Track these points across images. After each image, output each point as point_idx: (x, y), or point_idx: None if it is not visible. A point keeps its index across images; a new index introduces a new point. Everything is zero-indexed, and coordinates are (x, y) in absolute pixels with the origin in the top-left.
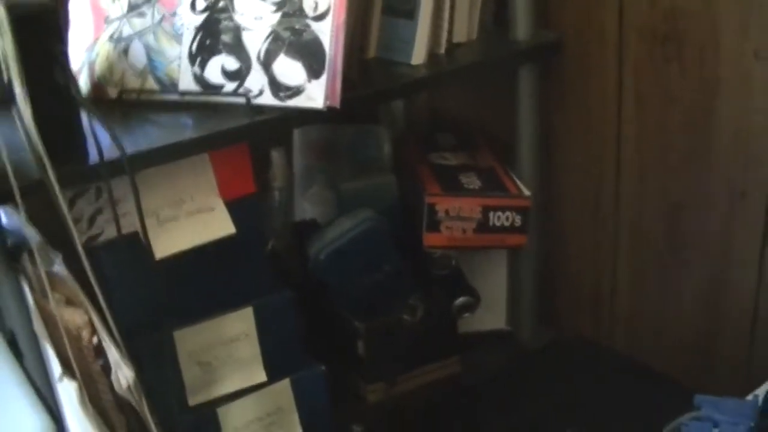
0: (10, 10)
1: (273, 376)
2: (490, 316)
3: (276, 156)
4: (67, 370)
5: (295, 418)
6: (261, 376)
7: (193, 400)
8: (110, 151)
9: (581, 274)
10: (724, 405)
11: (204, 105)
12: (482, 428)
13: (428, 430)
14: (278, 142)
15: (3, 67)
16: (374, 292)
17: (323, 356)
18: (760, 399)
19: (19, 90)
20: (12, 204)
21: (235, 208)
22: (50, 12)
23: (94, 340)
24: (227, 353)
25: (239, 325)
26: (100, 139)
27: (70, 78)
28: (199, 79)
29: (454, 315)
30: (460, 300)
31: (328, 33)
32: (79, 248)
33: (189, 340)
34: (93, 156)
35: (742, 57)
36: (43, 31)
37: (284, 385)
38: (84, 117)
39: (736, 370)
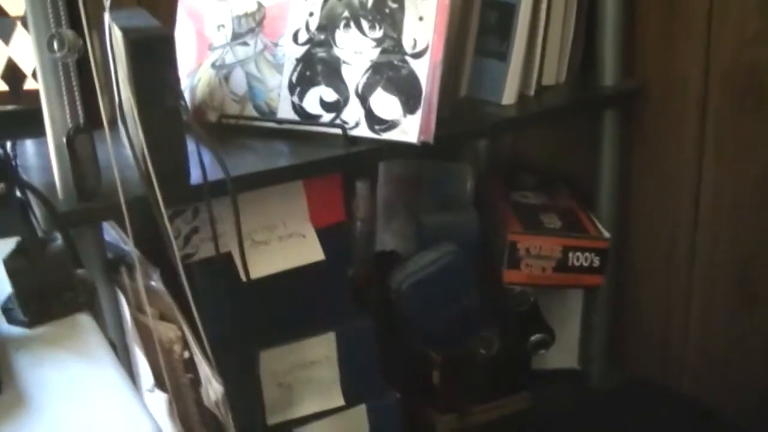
0: (127, 34)
1: (350, 401)
2: (562, 354)
3: (361, 187)
4: (159, 381)
5: None
6: (339, 401)
7: (271, 420)
8: (212, 174)
9: (653, 318)
10: None
11: (301, 134)
12: None
13: None
14: (363, 173)
15: (116, 88)
16: (452, 324)
17: (398, 385)
18: None
19: (131, 111)
20: (116, 219)
21: (325, 235)
22: (164, 38)
23: (185, 354)
24: (307, 376)
25: (321, 350)
26: (204, 161)
27: (181, 102)
28: (298, 109)
29: (529, 351)
30: (536, 337)
31: (425, 70)
32: (179, 265)
33: (273, 361)
34: (195, 177)
35: None
36: (156, 56)
37: (360, 410)
38: (189, 139)
39: None
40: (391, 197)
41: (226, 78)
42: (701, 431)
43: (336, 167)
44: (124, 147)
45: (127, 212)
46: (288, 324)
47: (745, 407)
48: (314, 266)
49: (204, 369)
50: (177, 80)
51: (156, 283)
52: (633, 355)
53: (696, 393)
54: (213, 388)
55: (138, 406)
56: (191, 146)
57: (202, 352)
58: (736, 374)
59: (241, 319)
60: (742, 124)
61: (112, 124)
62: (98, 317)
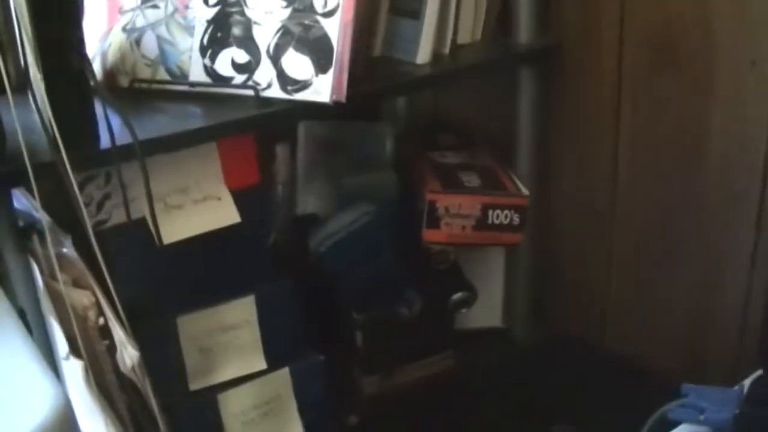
0: None
1: (272, 364)
2: (486, 313)
3: (280, 151)
4: (74, 349)
5: (293, 406)
6: (261, 364)
7: (193, 385)
8: (121, 137)
9: (575, 274)
10: (709, 393)
11: (213, 96)
12: (473, 422)
13: (421, 423)
14: (283, 137)
15: (21, 52)
16: (373, 284)
17: (322, 347)
18: (746, 388)
19: (35, 74)
20: (24, 186)
21: (240, 198)
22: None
23: (100, 321)
24: (228, 340)
25: (240, 313)
26: (112, 125)
27: (86, 64)
28: (209, 71)
29: (451, 310)
30: (458, 295)
31: (336, 30)
32: (90, 231)
33: (191, 326)
34: (104, 141)
35: (738, 65)
36: (60, 18)
37: (283, 373)
38: (97, 103)
39: (725, 370)
40: (311, 159)
41: (138, 42)
42: (625, 384)
43: (248, 128)
44: (32, 112)
45: (35, 178)
46: (207, 288)
47: (667, 360)
48: (232, 229)
49: (119, 334)
50: (82, 42)
51: (68, 249)
52: (556, 312)
53: (619, 347)
54: (128, 354)
55: (43, 375)
56: (100, 111)
57: (117, 318)
58: (659, 327)
59: (158, 284)
60: (658, 79)
61: (22, 89)
62: (8, 285)
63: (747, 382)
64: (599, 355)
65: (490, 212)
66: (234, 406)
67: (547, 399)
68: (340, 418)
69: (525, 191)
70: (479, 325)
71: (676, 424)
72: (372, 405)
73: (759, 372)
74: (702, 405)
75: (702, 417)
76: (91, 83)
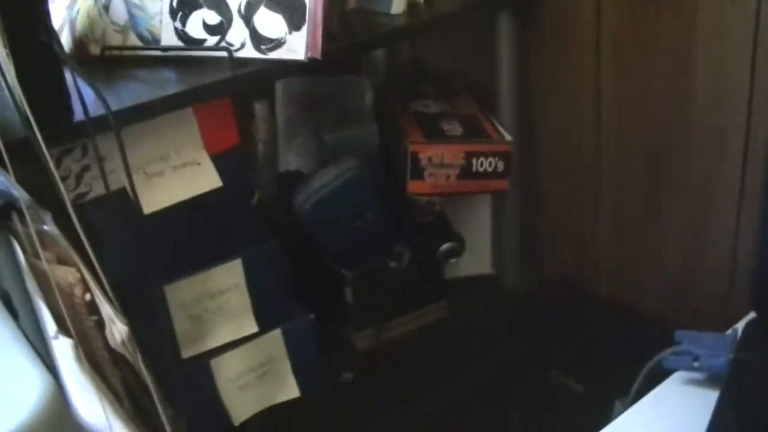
0: None
1: (264, 326)
2: (475, 261)
3: (259, 109)
4: (62, 327)
5: (287, 367)
6: (252, 327)
7: (186, 353)
8: (95, 108)
9: (564, 218)
10: (703, 339)
11: (186, 59)
12: (469, 372)
13: (416, 375)
14: (261, 94)
15: None
16: (360, 240)
17: (313, 306)
18: (739, 333)
19: (2, 50)
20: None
21: (220, 161)
22: None
23: (87, 297)
24: (218, 306)
25: (228, 278)
26: (84, 97)
27: (53, 36)
28: (181, 34)
29: (440, 261)
30: (446, 246)
31: None
32: (68, 206)
33: (179, 294)
34: (78, 113)
35: (719, 2)
36: None
37: (275, 335)
38: (68, 75)
39: (716, 312)
40: (291, 116)
41: (106, 8)
42: (616, 329)
43: (224, 90)
44: (2, 89)
45: (10, 155)
46: (193, 255)
47: (659, 301)
48: (214, 194)
49: (106, 310)
50: (48, 15)
51: (49, 226)
52: (546, 258)
53: (610, 291)
54: (117, 329)
55: (30, 365)
56: (73, 82)
57: (103, 293)
58: (650, 270)
59: (143, 254)
60: (639, 18)
61: None
62: None
63: (740, 326)
64: (589, 300)
65: (474, 160)
66: (228, 370)
67: (541, 346)
68: (334, 375)
69: (508, 137)
70: (469, 274)
71: (671, 371)
72: (366, 360)
73: (751, 314)
74: (696, 352)
75: (697, 364)
76: (60, 54)
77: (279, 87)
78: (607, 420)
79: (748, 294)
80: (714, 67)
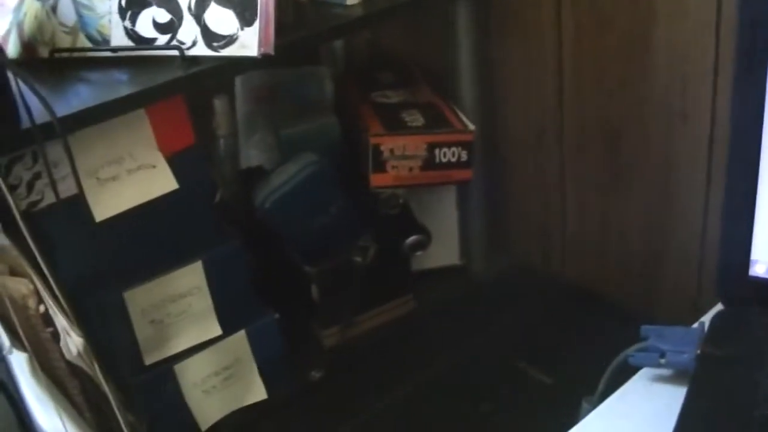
0: None
1: (228, 328)
2: (443, 252)
3: (219, 104)
4: (16, 341)
5: (253, 368)
6: (216, 330)
7: (149, 359)
8: (43, 114)
9: (529, 205)
10: (669, 334)
11: (138, 60)
12: (439, 364)
13: (386, 370)
14: (221, 89)
15: None
16: (324, 235)
17: (278, 304)
18: (706, 326)
19: None
20: None
21: (178, 162)
22: None
23: (41, 308)
24: (180, 309)
25: (190, 280)
26: (30, 102)
27: None
28: (131, 34)
29: (406, 254)
30: (411, 238)
31: None
32: (17, 215)
33: (140, 299)
34: (25, 120)
35: None
36: None
37: (240, 336)
38: (13, 81)
39: (684, 295)
40: (251, 110)
41: (54, 9)
42: (584, 316)
43: (177, 90)
44: None
45: None
46: (152, 259)
47: (628, 289)
48: (172, 195)
49: (61, 322)
50: None
51: None
52: (513, 245)
53: (579, 277)
54: (73, 341)
55: None
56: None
57: (57, 304)
58: (616, 256)
59: (100, 261)
60: None
61: None
62: None
63: (707, 319)
64: (557, 287)
65: (437, 151)
66: (193, 375)
67: (510, 337)
68: (302, 374)
69: (471, 126)
70: (437, 265)
71: (638, 367)
72: (334, 357)
73: (719, 306)
74: (663, 347)
75: (663, 360)
76: (3, 60)
77: (238, 81)
78: (574, 416)
79: (716, 285)
80: (674, 48)
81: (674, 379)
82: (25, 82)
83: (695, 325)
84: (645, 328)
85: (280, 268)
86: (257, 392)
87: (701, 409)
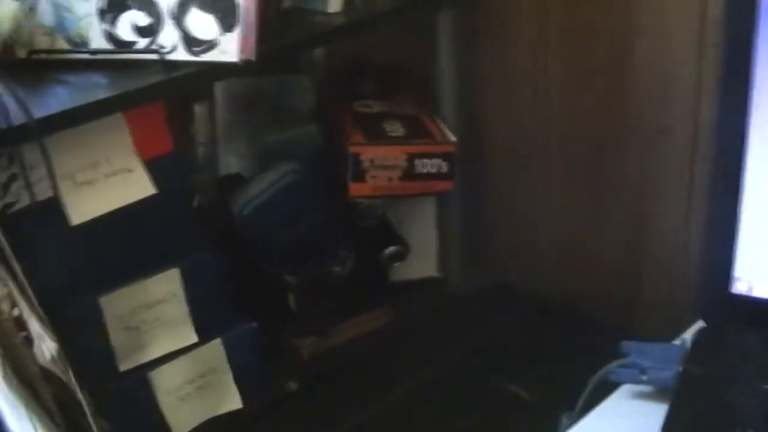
0: None
1: (204, 336)
2: (421, 263)
3: (199, 110)
4: None
5: (229, 377)
6: (192, 338)
7: (123, 366)
8: (19, 115)
9: (508, 219)
10: (651, 350)
11: (117, 63)
12: (414, 376)
13: (362, 381)
14: (201, 96)
15: None
16: (302, 245)
17: (255, 313)
18: (688, 343)
19: None
20: None
21: (155, 167)
22: None
23: (15, 312)
24: (155, 316)
25: (166, 287)
26: (7, 104)
27: None
28: (111, 37)
29: (384, 265)
30: (389, 249)
31: None
32: None
33: (115, 305)
34: (1, 121)
35: None
36: None
37: (215, 345)
38: None
39: (664, 311)
40: (231, 118)
41: (32, 9)
42: (562, 331)
43: (156, 95)
44: None
45: None
46: (128, 265)
47: (602, 301)
48: (149, 201)
49: (35, 326)
50: None
51: None
52: (492, 258)
53: (553, 290)
54: (46, 346)
55: None
56: None
57: (31, 308)
58: (593, 269)
59: (75, 265)
60: (580, 10)
61: None
62: None
63: (688, 336)
64: (535, 302)
65: (417, 161)
66: (167, 382)
67: (488, 350)
68: (279, 384)
69: (452, 137)
70: (415, 277)
71: (618, 383)
72: (311, 368)
73: (700, 323)
74: (644, 364)
75: (644, 377)
76: None
77: (218, 88)
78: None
79: (699, 303)
80: (656, 62)
81: (655, 395)
82: (2, 82)
83: (676, 341)
84: (626, 344)
85: (257, 277)
86: (232, 401)
87: (682, 426)
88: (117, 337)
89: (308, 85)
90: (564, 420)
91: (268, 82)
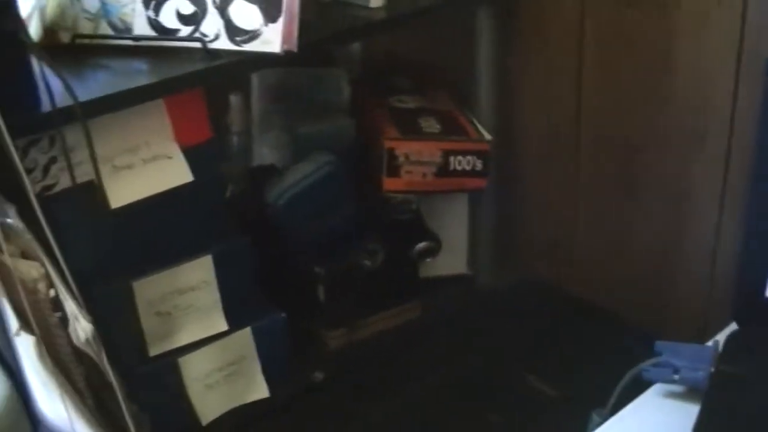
0: None
1: (233, 324)
2: (451, 260)
3: (234, 100)
4: (24, 324)
5: (257, 366)
6: (222, 325)
7: (153, 351)
8: (63, 98)
9: (540, 218)
10: (684, 351)
11: (159, 50)
12: (442, 373)
13: (389, 375)
14: (237, 86)
15: None
16: (334, 237)
17: (284, 303)
18: (720, 344)
19: None
20: None
21: (192, 154)
22: None
23: (51, 292)
24: (187, 302)
25: (198, 274)
26: (51, 86)
27: (20, 24)
28: (154, 24)
29: (414, 259)
30: (421, 245)
31: None
32: (33, 198)
33: (148, 290)
34: (45, 103)
35: (703, 1)
36: None
37: (245, 333)
38: (35, 64)
39: (695, 313)
40: (266, 108)
41: None
42: (592, 330)
43: (197, 82)
44: None
45: None
46: (162, 250)
47: (633, 302)
48: (185, 188)
49: (71, 306)
50: (14, 1)
51: (13, 219)
52: (522, 257)
53: (588, 291)
54: (81, 326)
55: None
56: (42, 72)
57: (68, 289)
58: (626, 270)
59: (110, 249)
60: (621, 14)
61: None
62: None
63: (721, 338)
64: (565, 300)
65: (452, 158)
66: (196, 369)
67: (516, 348)
68: (305, 374)
69: (487, 136)
70: (445, 273)
71: (650, 382)
72: (338, 359)
73: (733, 325)
74: (677, 364)
75: (677, 376)
76: (26, 42)
77: (254, 79)
78: (581, 429)
79: (731, 305)
80: (695, 68)
81: (686, 395)
82: (50, 66)
83: (709, 343)
84: (659, 344)
85: (287, 267)
86: (259, 390)
87: (714, 426)
88: (148, 322)
89: (344, 78)
90: (594, 417)
91: (304, 74)
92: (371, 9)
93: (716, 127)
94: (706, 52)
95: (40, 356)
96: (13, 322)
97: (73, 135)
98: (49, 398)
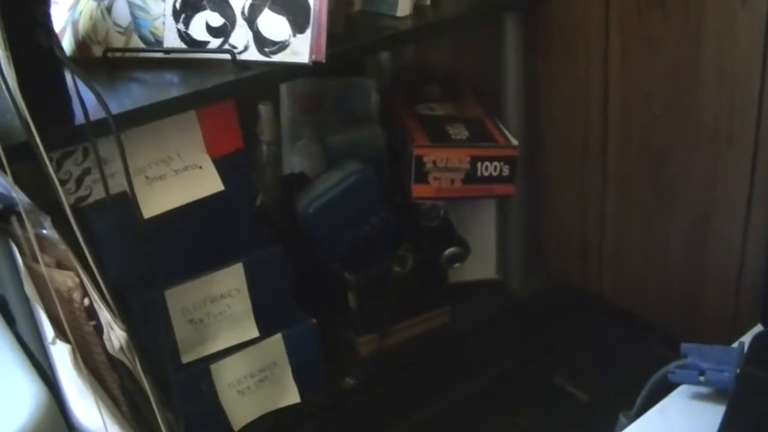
0: None
1: (265, 331)
2: (480, 266)
3: (264, 110)
4: (60, 332)
5: (288, 372)
6: (253, 332)
7: (186, 358)
8: (96, 111)
9: (569, 223)
10: (709, 352)
11: (189, 62)
12: (473, 378)
13: (420, 380)
14: (266, 96)
15: None
16: (364, 244)
17: (315, 310)
18: (746, 346)
19: (1, 53)
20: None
21: (223, 164)
22: None
23: (86, 301)
24: (219, 310)
25: (230, 282)
26: (85, 99)
27: (54, 38)
28: (184, 36)
29: (443, 265)
30: (450, 250)
31: None
32: (67, 209)
33: (180, 298)
34: (79, 116)
35: (728, 4)
36: None
37: (276, 339)
38: (68, 77)
39: (721, 319)
40: (296, 118)
41: (109, 9)
42: (621, 334)
43: (227, 94)
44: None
45: (9, 159)
46: (194, 259)
47: (663, 306)
48: (217, 197)
49: (105, 315)
50: (49, 16)
51: (48, 230)
52: (551, 262)
53: (617, 296)
54: (116, 335)
55: (22, 371)
56: (74, 85)
57: (102, 298)
58: (654, 274)
59: (143, 258)
60: (646, 20)
61: None
62: None
63: (747, 339)
64: (595, 305)
65: (480, 165)
66: (228, 375)
67: (546, 352)
68: (336, 380)
69: (514, 142)
70: (474, 278)
71: (676, 384)
72: (368, 365)
73: (758, 327)
74: (702, 366)
75: (702, 378)
76: (60, 57)
77: (283, 88)
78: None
79: (758, 308)
80: (722, 71)
81: (712, 397)
82: (83, 79)
83: (734, 344)
84: (685, 346)
85: (319, 275)
86: (291, 396)
87: (740, 427)
88: (181, 330)
89: (374, 87)
90: (621, 419)
91: (333, 83)
92: (398, 19)
93: (743, 129)
94: (732, 54)
95: (76, 364)
96: (49, 330)
97: (106, 147)
98: (84, 406)
